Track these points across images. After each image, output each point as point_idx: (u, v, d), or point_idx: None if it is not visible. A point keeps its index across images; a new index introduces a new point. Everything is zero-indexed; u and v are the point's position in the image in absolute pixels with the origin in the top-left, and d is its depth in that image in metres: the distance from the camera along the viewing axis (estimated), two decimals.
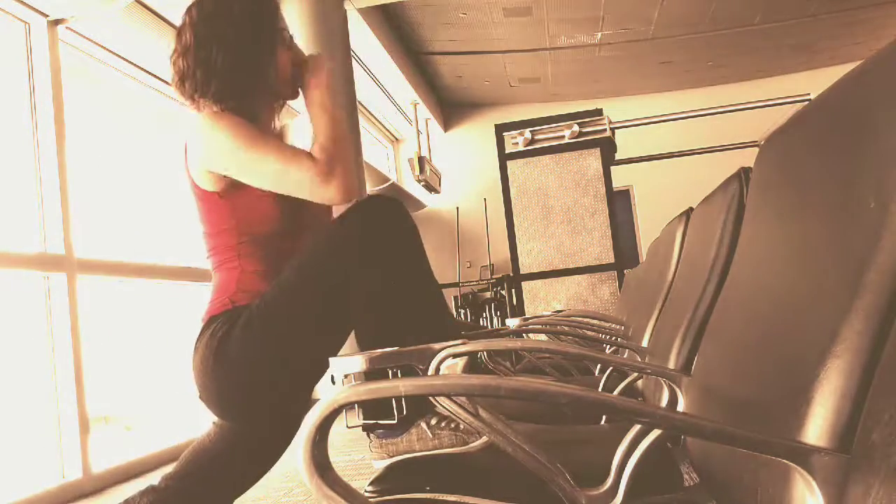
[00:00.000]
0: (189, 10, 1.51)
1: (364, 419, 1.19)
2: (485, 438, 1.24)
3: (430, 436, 1.33)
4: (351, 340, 1.46)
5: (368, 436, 1.40)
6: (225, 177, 1.44)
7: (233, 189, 1.45)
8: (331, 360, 0.87)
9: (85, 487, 3.09)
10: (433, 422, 1.34)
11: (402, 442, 1.34)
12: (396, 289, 1.39)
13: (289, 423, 1.50)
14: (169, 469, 1.49)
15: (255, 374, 1.41)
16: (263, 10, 1.53)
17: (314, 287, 1.40)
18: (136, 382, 4.28)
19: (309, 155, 1.40)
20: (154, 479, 1.49)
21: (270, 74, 1.53)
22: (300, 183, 1.39)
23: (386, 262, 1.40)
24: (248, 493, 1.54)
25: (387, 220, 1.45)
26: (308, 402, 1.50)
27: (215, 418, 1.49)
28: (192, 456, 1.48)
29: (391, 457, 1.34)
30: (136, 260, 3.91)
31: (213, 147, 1.42)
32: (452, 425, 1.32)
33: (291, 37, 1.58)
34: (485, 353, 1.81)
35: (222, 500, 1.51)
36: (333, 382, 0.89)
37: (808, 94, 5.37)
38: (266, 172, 1.40)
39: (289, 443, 1.51)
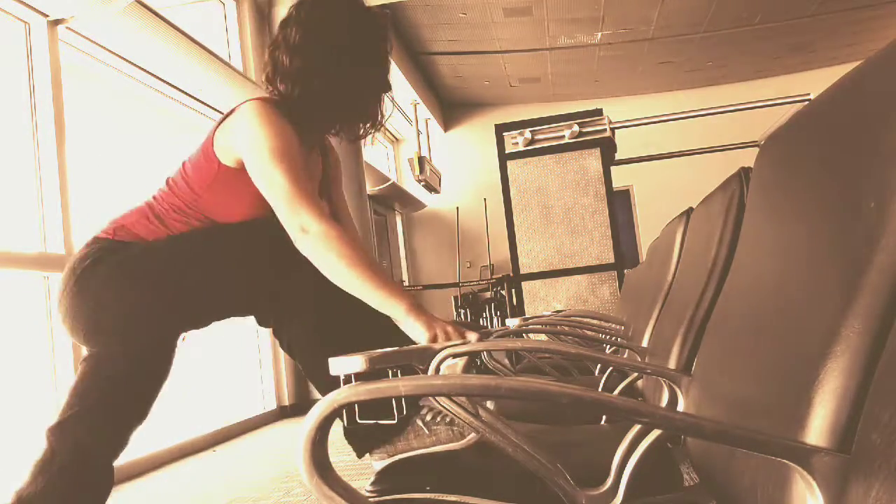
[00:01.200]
0: (299, 6, 1.52)
1: (360, 419, 1.19)
2: (481, 435, 1.24)
3: (427, 432, 1.33)
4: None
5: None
6: (241, 163, 1.45)
7: (236, 177, 1.46)
8: (330, 360, 0.87)
9: None
10: (428, 418, 1.34)
11: (400, 441, 1.34)
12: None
13: (153, 353, 1.49)
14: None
15: (109, 312, 1.45)
16: (366, 28, 1.53)
17: (213, 262, 1.44)
18: None
19: (318, 206, 1.38)
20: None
21: (356, 94, 1.54)
22: (284, 219, 1.38)
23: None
24: (248, 494, 1.54)
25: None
26: (172, 350, 1.51)
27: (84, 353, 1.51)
28: (72, 398, 1.47)
29: (390, 456, 1.34)
30: None
31: (248, 137, 1.43)
32: (448, 419, 1.32)
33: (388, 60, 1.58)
34: (485, 353, 1.82)
35: (117, 430, 1.49)
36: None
37: (808, 94, 5.37)
38: (270, 191, 1.40)
39: (155, 384, 1.49)
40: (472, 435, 1.27)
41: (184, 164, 1.54)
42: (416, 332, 1.26)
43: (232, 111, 1.49)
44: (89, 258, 1.45)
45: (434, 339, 1.24)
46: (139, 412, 1.49)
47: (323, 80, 1.48)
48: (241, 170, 1.45)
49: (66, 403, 1.46)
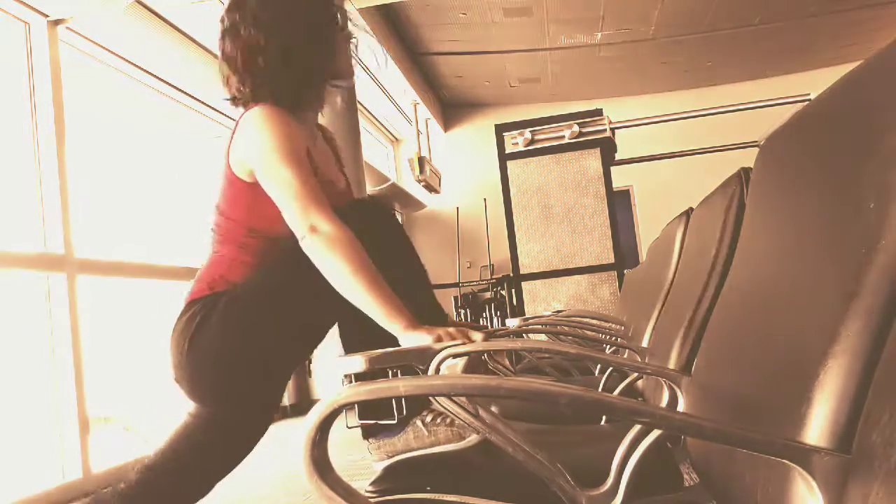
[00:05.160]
0: (241, 5, 1.51)
1: (360, 419, 1.19)
2: (481, 435, 1.24)
3: (426, 433, 1.33)
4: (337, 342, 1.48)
5: (366, 438, 1.41)
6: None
7: (260, 190, 1.46)
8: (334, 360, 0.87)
9: (85, 487, 3.09)
10: (428, 419, 1.34)
11: (400, 441, 1.35)
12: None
13: (263, 411, 1.52)
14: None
15: (227, 362, 1.43)
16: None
17: (293, 279, 1.42)
18: (136, 382, 4.28)
19: (328, 206, 1.37)
20: None
21: (331, 64, 1.56)
22: (294, 218, 1.38)
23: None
24: (248, 493, 1.54)
25: (373, 223, 1.46)
26: (282, 391, 1.55)
27: (191, 409, 1.50)
28: (169, 446, 1.49)
29: (390, 457, 1.34)
30: (136, 260, 3.91)
31: (255, 143, 1.43)
32: (448, 421, 1.32)
33: (344, 14, 1.60)
34: (485, 353, 1.81)
35: (198, 490, 1.52)
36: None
37: (808, 94, 5.36)
38: (280, 191, 1.40)
39: (263, 431, 1.52)
40: (472, 437, 1.27)
41: (217, 205, 1.54)
42: (418, 341, 1.27)
43: (236, 126, 1.49)
44: (195, 321, 1.43)
45: (438, 340, 1.24)
46: (222, 471, 1.52)
47: (284, 48, 1.48)
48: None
49: (160, 446, 1.51)
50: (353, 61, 1.63)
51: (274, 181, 1.40)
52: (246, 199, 1.48)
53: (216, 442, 1.50)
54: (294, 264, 1.40)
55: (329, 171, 1.62)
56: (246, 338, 1.43)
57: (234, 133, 1.50)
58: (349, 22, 1.60)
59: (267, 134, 1.42)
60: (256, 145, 1.43)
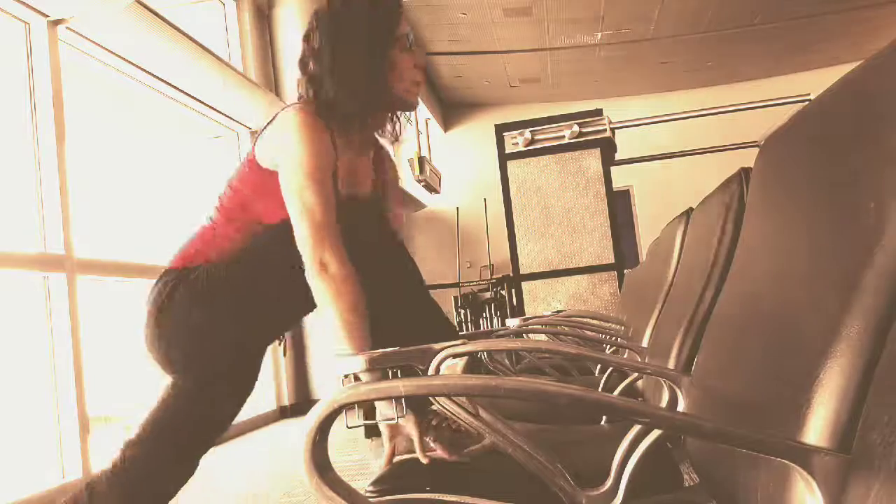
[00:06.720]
0: (315, 12, 1.52)
1: (367, 418, 1.19)
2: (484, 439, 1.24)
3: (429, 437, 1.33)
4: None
5: (369, 437, 1.41)
6: None
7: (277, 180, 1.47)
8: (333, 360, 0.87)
9: None
10: (433, 423, 1.34)
11: (402, 442, 1.34)
12: (381, 300, 1.40)
13: (234, 384, 1.54)
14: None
15: (190, 335, 1.47)
16: (380, 11, 1.51)
17: (270, 263, 1.44)
18: (136, 382, 4.28)
19: (340, 244, 1.36)
20: None
21: (386, 78, 1.49)
22: (307, 247, 1.37)
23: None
24: (248, 493, 1.55)
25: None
26: (257, 365, 1.58)
27: (169, 381, 1.52)
28: (149, 418, 1.52)
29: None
30: (136, 260, 3.91)
31: (286, 149, 1.42)
32: (454, 426, 1.32)
33: (413, 40, 1.55)
34: (485, 353, 1.82)
35: (180, 463, 1.54)
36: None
37: (808, 94, 5.36)
38: (300, 214, 1.38)
39: (238, 405, 1.55)
40: (475, 441, 1.27)
41: (229, 180, 1.56)
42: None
43: (272, 119, 1.49)
44: (165, 291, 1.47)
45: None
46: (205, 442, 1.55)
47: (351, 72, 1.46)
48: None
49: (142, 422, 1.52)
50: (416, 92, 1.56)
51: (296, 200, 1.39)
52: (256, 179, 1.49)
53: (191, 414, 1.52)
54: (273, 261, 1.43)
55: (361, 185, 1.58)
56: (209, 315, 1.46)
57: (265, 129, 1.49)
58: (414, 45, 1.53)
59: (299, 147, 1.39)
60: (286, 155, 1.42)
